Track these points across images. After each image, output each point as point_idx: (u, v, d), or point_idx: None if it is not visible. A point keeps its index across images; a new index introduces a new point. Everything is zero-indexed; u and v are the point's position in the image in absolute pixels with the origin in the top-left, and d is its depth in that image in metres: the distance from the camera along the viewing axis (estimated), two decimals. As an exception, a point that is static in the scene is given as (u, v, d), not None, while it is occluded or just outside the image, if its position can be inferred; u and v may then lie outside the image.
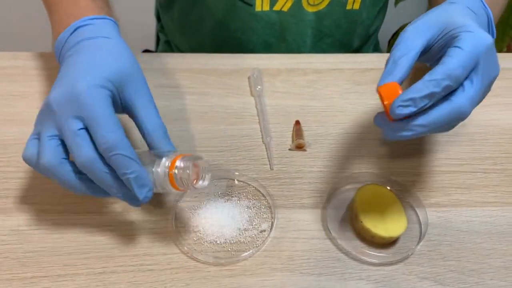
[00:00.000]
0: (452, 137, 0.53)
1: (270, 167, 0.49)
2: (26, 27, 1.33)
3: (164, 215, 0.45)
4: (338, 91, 0.58)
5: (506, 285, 0.41)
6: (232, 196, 0.47)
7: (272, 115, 0.55)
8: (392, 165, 0.50)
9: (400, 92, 0.37)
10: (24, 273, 0.40)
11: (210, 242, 0.43)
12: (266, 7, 0.65)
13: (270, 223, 0.44)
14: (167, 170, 0.38)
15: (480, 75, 0.38)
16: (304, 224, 0.45)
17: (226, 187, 0.47)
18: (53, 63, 0.60)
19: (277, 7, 0.66)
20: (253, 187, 0.48)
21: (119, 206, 0.45)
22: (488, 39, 0.39)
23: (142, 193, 0.37)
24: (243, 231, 0.44)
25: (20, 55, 0.61)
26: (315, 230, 0.44)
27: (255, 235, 0.44)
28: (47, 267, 0.41)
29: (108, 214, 0.45)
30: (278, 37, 0.68)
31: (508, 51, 1.20)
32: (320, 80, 0.60)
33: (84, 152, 0.36)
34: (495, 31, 0.48)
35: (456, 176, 0.49)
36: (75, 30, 0.44)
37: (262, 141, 0.52)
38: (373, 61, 0.63)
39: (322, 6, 0.66)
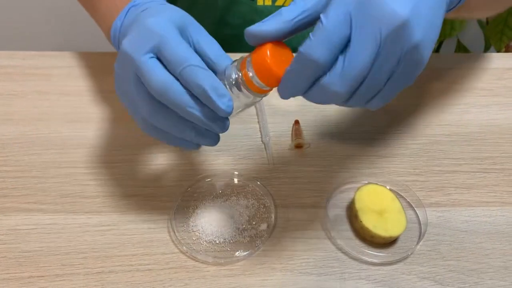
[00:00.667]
0: (452, 137, 0.53)
1: (270, 166, 0.49)
2: (23, 27, 1.33)
3: (163, 214, 0.44)
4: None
5: (506, 285, 0.41)
6: (231, 196, 0.46)
7: (271, 115, 0.55)
8: (392, 164, 0.50)
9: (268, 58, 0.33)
10: (22, 272, 0.40)
11: (209, 242, 0.43)
12: (268, 2, 0.65)
13: (269, 222, 0.44)
14: (239, 72, 0.35)
15: (354, 45, 0.30)
16: (303, 224, 0.44)
17: (225, 187, 0.47)
18: (50, 62, 0.60)
19: (279, 2, 0.65)
20: (252, 186, 0.47)
21: (117, 205, 0.45)
22: None
23: (223, 103, 0.34)
24: (242, 231, 0.43)
25: (17, 54, 0.60)
26: (315, 230, 0.44)
27: (254, 234, 0.43)
28: (44, 266, 0.40)
29: (106, 213, 0.44)
30: None
31: (507, 51, 1.21)
32: (319, 79, 0.60)
33: (158, 74, 0.35)
34: None
35: (456, 176, 0.49)
36: (128, 11, 0.44)
37: (261, 141, 0.52)
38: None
39: None
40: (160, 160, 0.49)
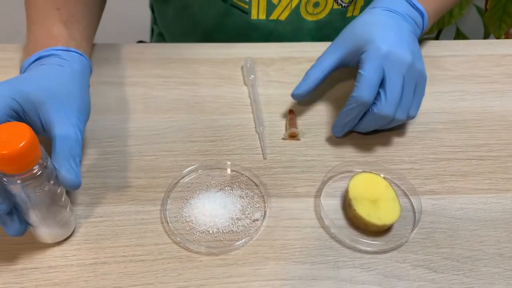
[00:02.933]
0: (447, 124, 0.53)
1: (263, 156, 0.49)
2: (15, 20, 1.32)
3: (156, 205, 0.44)
4: (331, 80, 0.58)
5: (500, 272, 0.40)
6: (225, 186, 0.46)
7: (265, 105, 0.55)
8: (386, 153, 0.50)
9: None
10: (15, 265, 0.40)
11: (203, 232, 0.43)
12: (262, 16, 0.64)
13: (263, 212, 0.44)
14: None
15: (389, 82, 0.46)
16: (297, 213, 0.44)
17: (219, 177, 0.47)
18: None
19: (273, 16, 0.64)
20: (246, 176, 0.47)
21: (110, 197, 0.45)
22: (382, 49, 0.46)
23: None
24: (235, 221, 0.43)
25: (10, 47, 0.60)
26: (308, 219, 0.44)
27: (247, 224, 0.43)
28: (38, 258, 0.40)
29: (99, 205, 0.44)
30: None
31: (506, 38, 1.20)
32: (314, 68, 0.59)
33: None
34: (426, 26, 0.54)
35: (451, 163, 0.49)
36: (37, 59, 0.45)
37: (255, 131, 0.52)
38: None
39: (322, 15, 0.65)
40: (153, 151, 0.49)
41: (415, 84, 0.48)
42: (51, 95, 0.40)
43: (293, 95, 0.51)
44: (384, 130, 0.51)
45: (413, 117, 0.49)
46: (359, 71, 0.47)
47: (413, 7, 0.52)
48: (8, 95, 0.38)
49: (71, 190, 0.41)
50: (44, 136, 0.40)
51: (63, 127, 0.39)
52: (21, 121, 0.38)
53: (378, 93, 0.46)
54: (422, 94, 0.49)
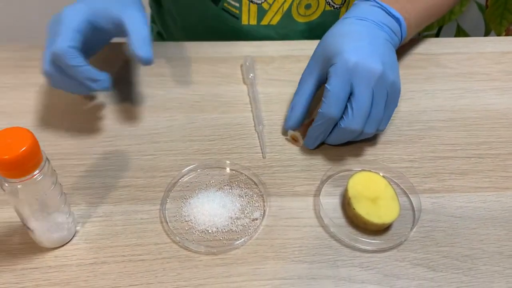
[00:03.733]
0: (447, 122, 0.53)
1: (263, 155, 0.49)
2: (13, 19, 1.32)
3: (155, 205, 0.44)
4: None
5: (500, 270, 0.40)
6: (224, 185, 0.46)
7: (264, 103, 0.54)
8: (385, 151, 0.50)
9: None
10: (15, 265, 0.40)
11: (202, 231, 0.43)
12: (253, 21, 0.64)
13: (262, 211, 0.44)
14: None
15: (356, 96, 0.44)
16: (296, 212, 0.44)
17: (218, 176, 0.47)
18: (41, 54, 0.59)
19: (264, 22, 0.64)
20: (245, 175, 0.47)
21: (109, 196, 0.45)
22: (350, 61, 0.44)
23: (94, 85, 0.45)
24: (235, 220, 0.43)
25: (8, 47, 0.60)
26: (308, 218, 0.44)
27: (247, 223, 0.43)
28: (37, 258, 0.40)
29: (99, 205, 0.44)
30: None
31: (507, 35, 1.19)
32: (313, 67, 0.59)
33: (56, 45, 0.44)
34: (405, 34, 0.53)
35: (451, 161, 0.49)
36: None
37: (255, 130, 0.51)
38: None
39: (314, 17, 0.65)
40: (152, 150, 0.49)
41: (387, 95, 0.45)
42: (115, 1, 0.47)
43: (286, 128, 0.50)
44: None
45: (382, 131, 0.48)
46: (326, 85, 0.45)
47: (389, 15, 0.51)
48: (85, 11, 0.46)
49: (146, 65, 0.46)
50: (120, 35, 0.48)
51: (132, 18, 0.46)
52: (99, 30, 0.47)
53: (346, 107, 0.45)
54: (394, 106, 0.47)
